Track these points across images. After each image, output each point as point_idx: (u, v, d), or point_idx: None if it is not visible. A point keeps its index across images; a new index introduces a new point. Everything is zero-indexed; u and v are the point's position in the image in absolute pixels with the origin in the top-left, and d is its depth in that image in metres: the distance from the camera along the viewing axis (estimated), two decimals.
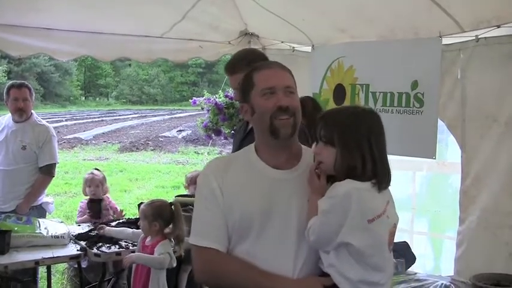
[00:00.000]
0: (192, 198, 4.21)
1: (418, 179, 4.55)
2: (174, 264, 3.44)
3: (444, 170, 4.32)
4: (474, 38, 3.39)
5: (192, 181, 4.65)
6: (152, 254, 3.36)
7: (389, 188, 1.86)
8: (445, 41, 3.56)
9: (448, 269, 3.69)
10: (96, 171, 4.71)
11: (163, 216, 3.44)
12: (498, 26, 3.16)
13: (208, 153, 14.59)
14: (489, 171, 3.38)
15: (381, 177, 1.77)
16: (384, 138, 1.82)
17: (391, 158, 1.82)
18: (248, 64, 2.85)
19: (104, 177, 4.74)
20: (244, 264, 1.88)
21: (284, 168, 1.93)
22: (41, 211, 4.55)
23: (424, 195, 4.71)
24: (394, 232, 1.83)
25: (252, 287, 1.86)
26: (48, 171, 4.50)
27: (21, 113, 4.42)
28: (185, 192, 4.81)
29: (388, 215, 1.78)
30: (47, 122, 4.81)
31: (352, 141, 1.76)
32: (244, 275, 1.87)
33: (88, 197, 4.61)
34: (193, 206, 3.63)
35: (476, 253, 3.43)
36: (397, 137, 3.88)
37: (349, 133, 1.76)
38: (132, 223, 4.12)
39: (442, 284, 2.95)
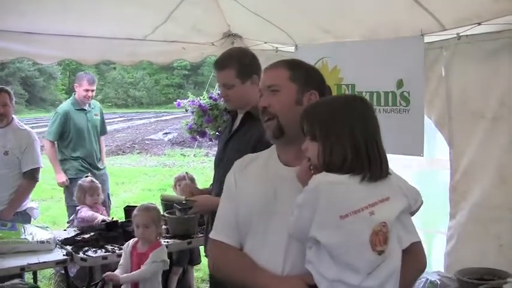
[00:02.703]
0: (178, 196, 4.21)
1: (407, 176, 4.55)
2: (167, 267, 3.43)
3: (433, 166, 4.33)
4: (456, 35, 3.41)
5: (178, 180, 4.64)
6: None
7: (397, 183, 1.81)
8: (427, 39, 3.58)
9: (439, 264, 3.71)
10: (93, 178, 4.63)
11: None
12: (479, 24, 3.19)
13: (194, 155, 14.54)
14: (478, 166, 3.39)
15: (366, 168, 1.65)
16: (372, 124, 1.73)
17: None
18: (238, 61, 2.85)
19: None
20: (239, 257, 1.90)
21: (293, 166, 1.88)
22: (26, 217, 4.50)
23: None
24: (384, 232, 1.63)
25: (240, 279, 1.87)
26: (32, 176, 4.46)
27: (1, 118, 4.38)
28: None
29: (375, 211, 1.62)
30: (33, 127, 4.76)
31: (331, 134, 1.67)
32: (236, 266, 1.90)
33: (84, 205, 4.42)
34: (178, 205, 3.46)
35: (466, 247, 3.44)
36: (384, 136, 3.87)
37: (329, 125, 1.69)
38: (119, 226, 4.08)
39: (428, 279, 2.94)
